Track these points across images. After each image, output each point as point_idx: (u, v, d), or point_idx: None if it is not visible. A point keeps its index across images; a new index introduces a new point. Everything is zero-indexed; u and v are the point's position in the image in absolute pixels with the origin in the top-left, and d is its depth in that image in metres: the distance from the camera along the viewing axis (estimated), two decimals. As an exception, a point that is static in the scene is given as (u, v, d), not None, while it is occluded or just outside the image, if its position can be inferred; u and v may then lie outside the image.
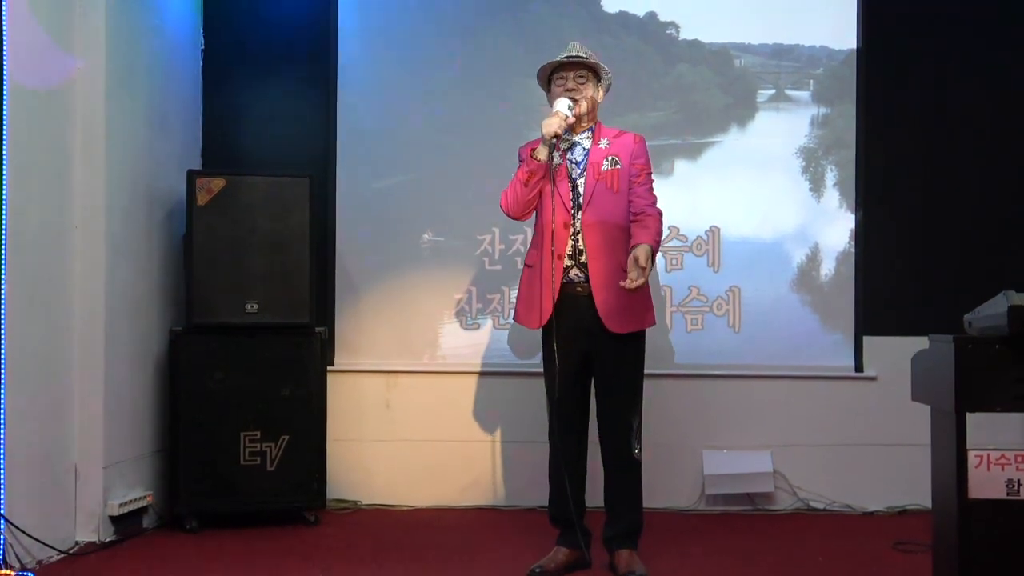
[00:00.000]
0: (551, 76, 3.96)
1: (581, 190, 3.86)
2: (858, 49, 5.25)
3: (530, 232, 4.29)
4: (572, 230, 3.84)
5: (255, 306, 4.67)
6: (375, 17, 5.37)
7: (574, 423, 3.93)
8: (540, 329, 3.93)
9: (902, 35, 5.27)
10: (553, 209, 3.83)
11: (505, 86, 5.30)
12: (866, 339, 5.19)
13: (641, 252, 3.68)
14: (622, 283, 3.66)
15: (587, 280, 3.83)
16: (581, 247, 3.84)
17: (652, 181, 3.96)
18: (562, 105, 3.80)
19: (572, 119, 3.81)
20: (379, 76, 5.37)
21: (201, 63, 5.33)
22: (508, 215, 3.91)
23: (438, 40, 5.36)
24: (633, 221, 3.87)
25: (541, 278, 3.86)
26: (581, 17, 5.34)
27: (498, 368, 5.23)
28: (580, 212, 3.85)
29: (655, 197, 3.94)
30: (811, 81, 5.33)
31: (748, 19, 5.33)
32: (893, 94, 5.25)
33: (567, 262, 3.84)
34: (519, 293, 4.04)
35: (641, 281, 3.64)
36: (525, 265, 4.03)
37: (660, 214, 3.91)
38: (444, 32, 5.37)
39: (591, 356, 3.89)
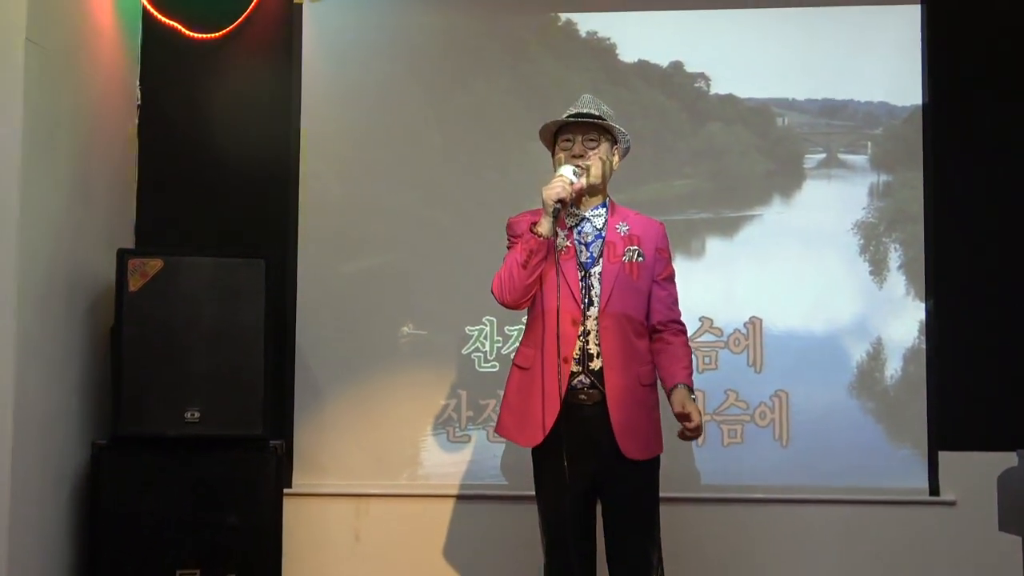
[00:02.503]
0: (556, 136, 3.96)
1: (594, 280, 3.84)
2: (924, 105, 5.30)
3: (531, 324, 4.27)
4: (581, 328, 3.83)
5: (196, 414, 4.63)
6: (345, 69, 5.43)
7: (578, 560, 3.86)
8: (531, 450, 3.89)
9: (976, 88, 5.30)
10: (559, 300, 3.79)
11: (502, 151, 5.34)
12: (942, 455, 5.14)
13: (684, 400, 3.84)
14: (682, 435, 3.85)
15: (593, 387, 3.80)
16: (592, 350, 3.81)
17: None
18: (566, 170, 3.79)
19: (579, 185, 3.79)
20: (350, 138, 5.41)
21: (137, 121, 5.37)
22: (502, 303, 3.87)
23: (421, 97, 5.42)
24: (655, 338, 3.92)
25: (543, 383, 3.81)
26: (592, 68, 5.40)
27: (492, 491, 5.19)
28: (592, 307, 3.83)
29: (680, 310, 3.98)
30: (868, 143, 5.36)
31: (792, 70, 5.38)
32: (967, 158, 5.27)
33: (572, 366, 3.81)
34: (506, 401, 3.98)
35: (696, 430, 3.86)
36: (515, 366, 3.98)
37: (686, 333, 3.99)
38: (429, 88, 5.42)
39: (599, 481, 3.84)
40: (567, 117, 3.89)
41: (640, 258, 3.86)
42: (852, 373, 5.23)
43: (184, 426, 4.62)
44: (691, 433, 3.83)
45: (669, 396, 3.87)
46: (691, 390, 3.88)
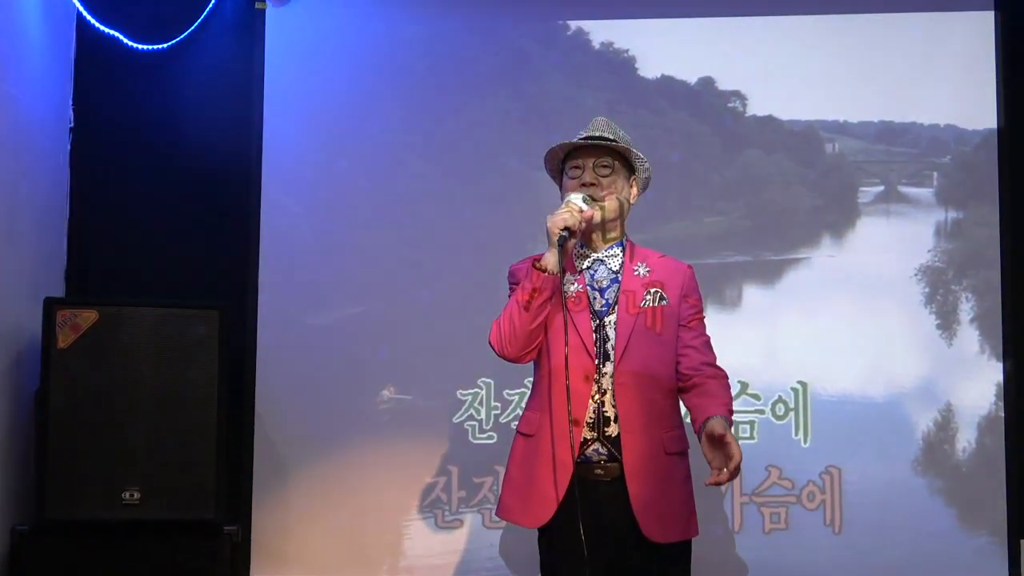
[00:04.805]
0: (564, 164, 3.96)
1: (610, 330, 3.81)
2: (999, 129, 5.32)
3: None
4: (596, 387, 3.82)
5: (136, 495, 4.61)
6: (315, 85, 5.46)
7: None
8: (538, 529, 3.85)
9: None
10: (567, 352, 3.78)
11: (501, 183, 5.37)
12: (1025, 544, 5.14)
13: (722, 427, 3.60)
14: (709, 481, 3.60)
15: (611, 460, 3.75)
16: (608, 413, 3.77)
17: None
18: (575, 197, 3.76)
19: (589, 213, 3.77)
20: (319, 167, 5.43)
21: (69, 148, 5.39)
22: (502, 356, 3.83)
23: (405, 120, 5.46)
24: (686, 387, 3.85)
25: (553, 451, 3.78)
26: (608, 86, 5.44)
27: (489, 586, 5.18)
28: (608, 362, 3.81)
29: (715, 354, 3.93)
30: (935, 174, 5.39)
31: (844, 88, 5.41)
32: (1051, 191, 5.30)
33: (586, 433, 3.79)
34: (508, 477, 3.93)
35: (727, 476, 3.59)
36: (518, 433, 3.94)
37: (725, 376, 3.88)
38: (413, 109, 5.46)
39: (617, 570, 3.80)
40: (577, 140, 3.89)
41: (663, 301, 3.83)
42: (917, 446, 5.22)
43: (122, 509, 4.60)
44: (729, 473, 3.59)
45: (700, 431, 3.68)
46: (729, 424, 3.69)
